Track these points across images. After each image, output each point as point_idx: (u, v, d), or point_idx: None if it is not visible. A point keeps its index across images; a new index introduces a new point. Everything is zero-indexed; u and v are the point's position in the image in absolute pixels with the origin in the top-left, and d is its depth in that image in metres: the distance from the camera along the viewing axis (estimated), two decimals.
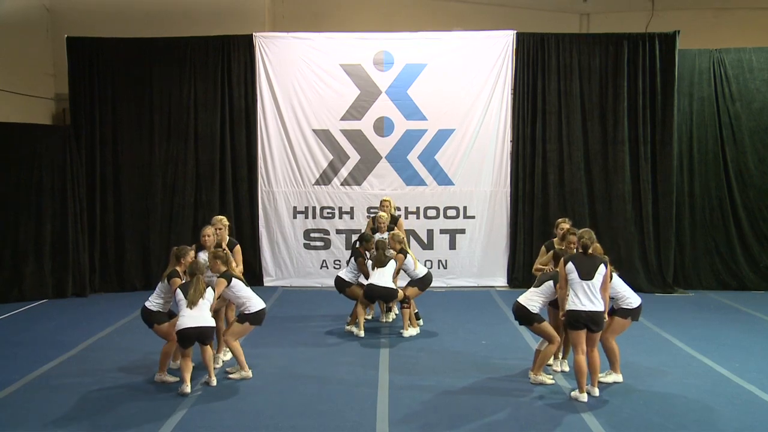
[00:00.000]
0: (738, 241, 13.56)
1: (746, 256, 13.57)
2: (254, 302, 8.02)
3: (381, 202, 11.25)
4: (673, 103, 13.16)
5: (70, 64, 13.22)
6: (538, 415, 7.06)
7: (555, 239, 8.79)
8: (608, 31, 13.80)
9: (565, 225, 8.72)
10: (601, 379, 7.82)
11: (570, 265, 7.37)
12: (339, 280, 10.34)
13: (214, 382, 7.79)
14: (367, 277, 10.04)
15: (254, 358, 8.47)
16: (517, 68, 13.42)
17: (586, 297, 7.27)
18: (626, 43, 13.31)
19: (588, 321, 7.26)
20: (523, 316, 7.86)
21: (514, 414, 7.05)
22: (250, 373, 8.03)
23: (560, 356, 8.37)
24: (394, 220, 11.02)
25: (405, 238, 10.50)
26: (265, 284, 13.55)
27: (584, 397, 7.32)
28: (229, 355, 8.53)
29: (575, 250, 7.70)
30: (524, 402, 7.38)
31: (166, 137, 13.50)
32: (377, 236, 10.39)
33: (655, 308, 11.41)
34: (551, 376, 8.04)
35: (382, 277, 9.80)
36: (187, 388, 7.47)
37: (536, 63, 13.47)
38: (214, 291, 7.77)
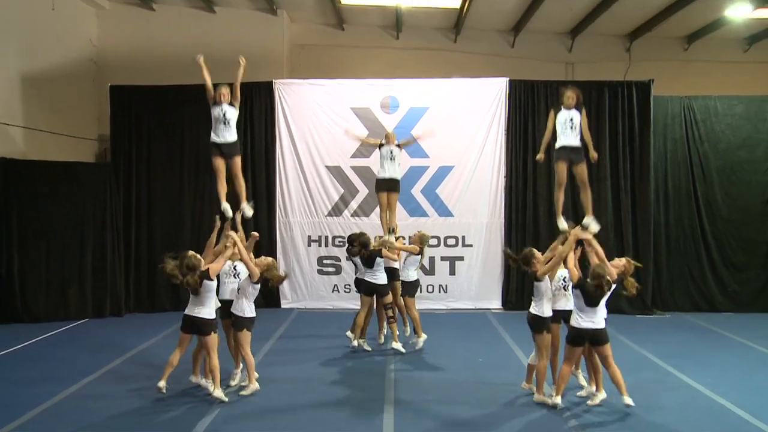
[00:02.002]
0: (708, 267, 13.65)
1: (716, 281, 13.64)
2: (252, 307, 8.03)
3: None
4: (650, 143, 13.31)
5: (111, 108, 13.46)
6: (529, 425, 7.13)
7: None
8: (591, 79, 14.02)
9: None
10: (579, 393, 7.89)
11: (578, 291, 7.32)
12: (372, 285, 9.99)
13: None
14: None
15: (269, 372, 8.60)
16: (510, 111, 13.58)
17: (588, 318, 7.24)
18: (607, 90, 13.49)
19: (589, 338, 7.27)
20: (536, 322, 7.72)
21: (507, 424, 7.11)
22: (257, 386, 8.00)
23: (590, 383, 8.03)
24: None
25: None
26: (282, 306, 13.62)
27: (558, 400, 7.43)
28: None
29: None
30: (516, 413, 7.45)
31: (195, 174, 13.65)
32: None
33: (636, 328, 11.51)
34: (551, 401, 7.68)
35: (374, 273, 9.84)
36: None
37: (527, 106, 13.63)
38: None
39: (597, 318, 7.29)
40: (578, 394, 7.99)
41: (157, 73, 14.12)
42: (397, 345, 9.91)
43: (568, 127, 8.37)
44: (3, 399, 7.83)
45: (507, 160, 13.61)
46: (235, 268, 8.32)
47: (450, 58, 15.63)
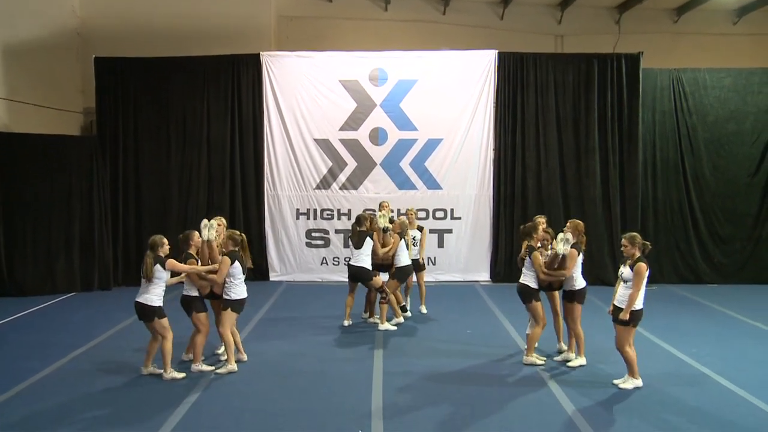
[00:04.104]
0: (695, 239, 13.81)
1: (702, 253, 13.82)
2: (240, 290, 7.92)
3: (380, 204, 10.91)
4: (638, 116, 13.35)
5: (97, 81, 13.37)
6: (517, 391, 7.22)
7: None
8: (580, 51, 14.04)
9: (542, 220, 8.73)
10: (569, 364, 8.05)
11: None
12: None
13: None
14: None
15: (259, 346, 8.68)
16: (498, 84, 13.57)
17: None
18: (596, 62, 13.48)
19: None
20: (525, 292, 8.01)
21: (496, 392, 7.21)
22: (235, 367, 7.91)
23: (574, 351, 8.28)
24: (420, 228, 10.97)
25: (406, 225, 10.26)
26: (271, 279, 13.68)
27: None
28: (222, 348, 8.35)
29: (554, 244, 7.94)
30: (505, 381, 7.55)
31: (182, 146, 13.62)
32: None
33: None
34: (544, 359, 8.21)
35: (359, 256, 9.69)
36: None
37: (516, 79, 13.62)
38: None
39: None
40: (556, 358, 8.34)
41: (143, 44, 13.94)
42: (385, 326, 9.77)
43: None
44: None
45: (496, 133, 13.62)
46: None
47: (439, 30, 15.53)
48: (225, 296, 7.84)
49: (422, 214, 13.51)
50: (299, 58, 13.74)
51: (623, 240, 7.32)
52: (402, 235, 9.98)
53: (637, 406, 6.74)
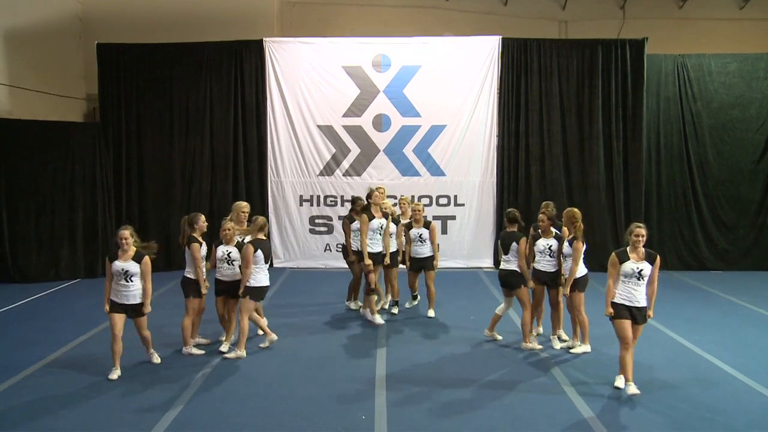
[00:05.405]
0: (699, 226, 13.79)
1: (706, 240, 13.80)
2: (260, 277, 8.00)
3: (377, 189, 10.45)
4: (642, 102, 13.30)
5: (99, 67, 13.35)
6: (519, 374, 7.28)
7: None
8: (584, 37, 13.94)
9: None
10: (572, 351, 8.09)
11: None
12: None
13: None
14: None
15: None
16: (502, 70, 13.51)
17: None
18: (600, 48, 13.42)
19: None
20: (513, 278, 8.13)
21: (500, 377, 7.24)
22: (245, 354, 7.97)
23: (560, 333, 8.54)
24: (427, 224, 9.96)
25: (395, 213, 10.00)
26: (274, 265, 13.68)
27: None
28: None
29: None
30: (508, 366, 7.57)
31: (185, 133, 13.61)
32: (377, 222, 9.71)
33: None
34: (540, 347, 8.25)
35: (352, 241, 9.61)
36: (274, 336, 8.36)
37: (520, 65, 13.57)
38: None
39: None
40: (561, 346, 8.35)
41: (145, 30, 13.92)
42: (375, 317, 9.56)
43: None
44: None
45: (499, 119, 13.58)
46: (229, 255, 8.16)
47: (442, 15, 15.45)
48: (246, 283, 7.94)
49: (426, 201, 13.53)
50: (302, 44, 13.69)
51: (642, 230, 6.84)
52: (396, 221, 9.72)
53: (642, 392, 6.72)
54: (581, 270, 8.03)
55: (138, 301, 7.29)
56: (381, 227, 9.30)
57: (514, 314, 9.47)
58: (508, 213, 8.52)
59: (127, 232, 7.28)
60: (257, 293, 8.00)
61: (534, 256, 8.29)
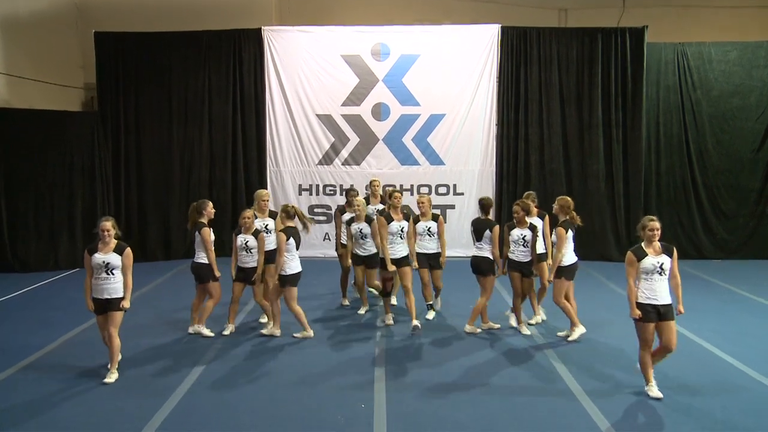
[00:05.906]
0: (698, 215, 13.78)
1: (705, 229, 13.80)
2: (294, 264, 8.09)
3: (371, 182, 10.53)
4: (642, 91, 13.26)
5: (97, 56, 13.29)
6: (511, 356, 7.38)
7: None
8: (584, 26, 13.85)
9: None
10: (569, 339, 8.12)
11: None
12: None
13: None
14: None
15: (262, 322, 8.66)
16: (501, 58, 13.47)
17: None
18: (600, 37, 13.37)
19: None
20: (488, 264, 8.27)
21: (493, 358, 7.30)
22: (311, 333, 8.32)
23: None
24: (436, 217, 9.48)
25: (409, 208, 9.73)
26: None
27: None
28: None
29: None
30: (507, 354, 7.60)
31: (184, 122, 13.58)
32: (370, 208, 9.63)
33: (624, 276, 11.57)
34: (480, 330, 8.54)
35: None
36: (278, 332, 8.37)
37: (519, 54, 13.52)
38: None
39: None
40: (558, 333, 8.39)
41: (143, 19, 13.83)
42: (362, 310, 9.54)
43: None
44: None
45: (499, 108, 13.55)
46: (246, 243, 8.31)
47: (441, 4, 15.33)
48: (281, 272, 7.99)
49: (425, 190, 13.52)
50: (301, 33, 13.63)
51: (657, 223, 6.65)
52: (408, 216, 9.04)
53: (640, 380, 6.74)
54: (569, 258, 8.02)
55: (119, 295, 6.83)
56: (402, 230, 8.69)
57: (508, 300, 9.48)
58: (481, 201, 8.71)
59: (108, 224, 6.97)
60: (293, 280, 8.08)
61: (509, 246, 8.34)
